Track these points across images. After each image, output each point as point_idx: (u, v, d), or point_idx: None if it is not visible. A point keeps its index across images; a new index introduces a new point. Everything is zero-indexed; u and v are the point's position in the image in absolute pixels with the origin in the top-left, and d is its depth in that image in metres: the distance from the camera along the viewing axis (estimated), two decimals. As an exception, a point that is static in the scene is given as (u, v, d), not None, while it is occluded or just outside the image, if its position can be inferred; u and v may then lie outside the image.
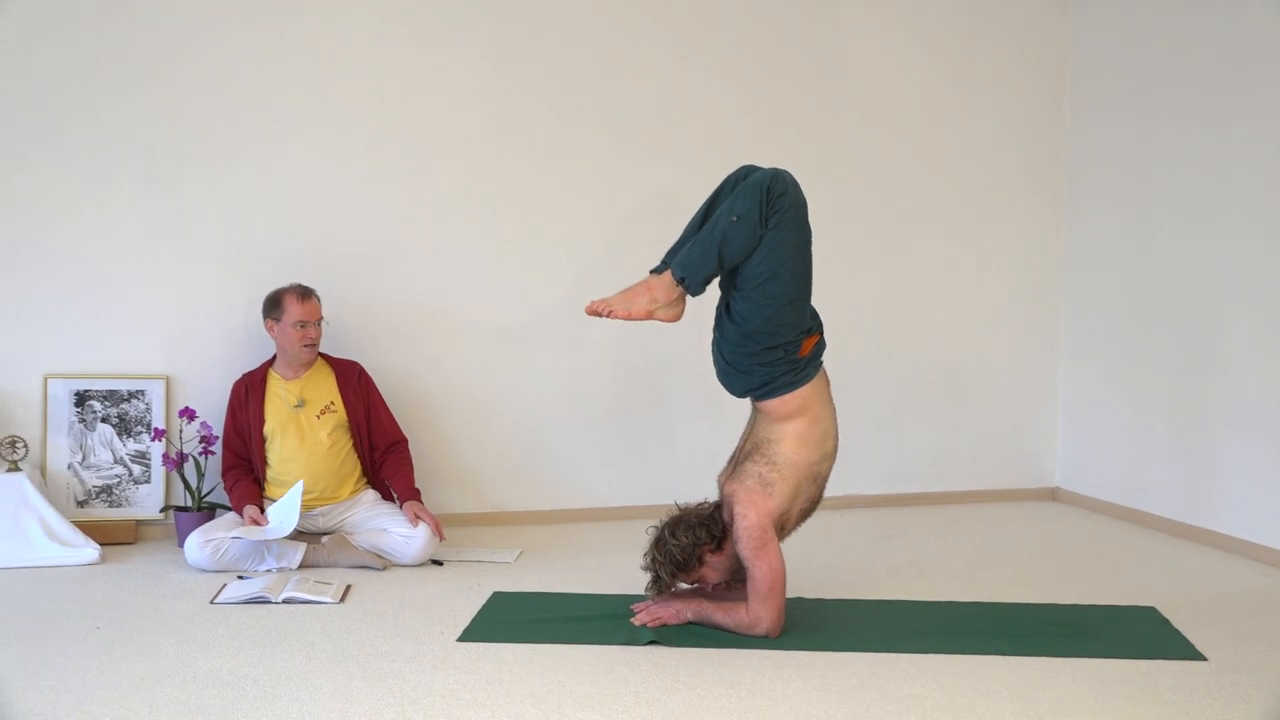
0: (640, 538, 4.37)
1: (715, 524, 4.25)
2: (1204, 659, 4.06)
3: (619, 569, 5.08)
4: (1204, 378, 5.71)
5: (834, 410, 4.32)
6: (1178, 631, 4.33)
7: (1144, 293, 6.08)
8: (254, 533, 4.99)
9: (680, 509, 4.33)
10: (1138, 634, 4.32)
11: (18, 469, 5.34)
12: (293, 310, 5.32)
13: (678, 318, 4.25)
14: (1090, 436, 6.49)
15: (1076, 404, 6.59)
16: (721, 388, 4.36)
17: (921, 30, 6.43)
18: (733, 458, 4.38)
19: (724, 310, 4.26)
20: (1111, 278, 6.30)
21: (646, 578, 4.31)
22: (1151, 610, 4.59)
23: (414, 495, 5.36)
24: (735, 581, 4.33)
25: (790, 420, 4.20)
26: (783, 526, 4.24)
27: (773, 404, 4.21)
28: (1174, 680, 3.85)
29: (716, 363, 4.32)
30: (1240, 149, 5.50)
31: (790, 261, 4.09)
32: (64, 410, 5.59)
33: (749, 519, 4.12)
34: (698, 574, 4.28)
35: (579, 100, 6.03)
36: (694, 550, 4.21)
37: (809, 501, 4.31)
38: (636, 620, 4.32)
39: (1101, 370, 6.39)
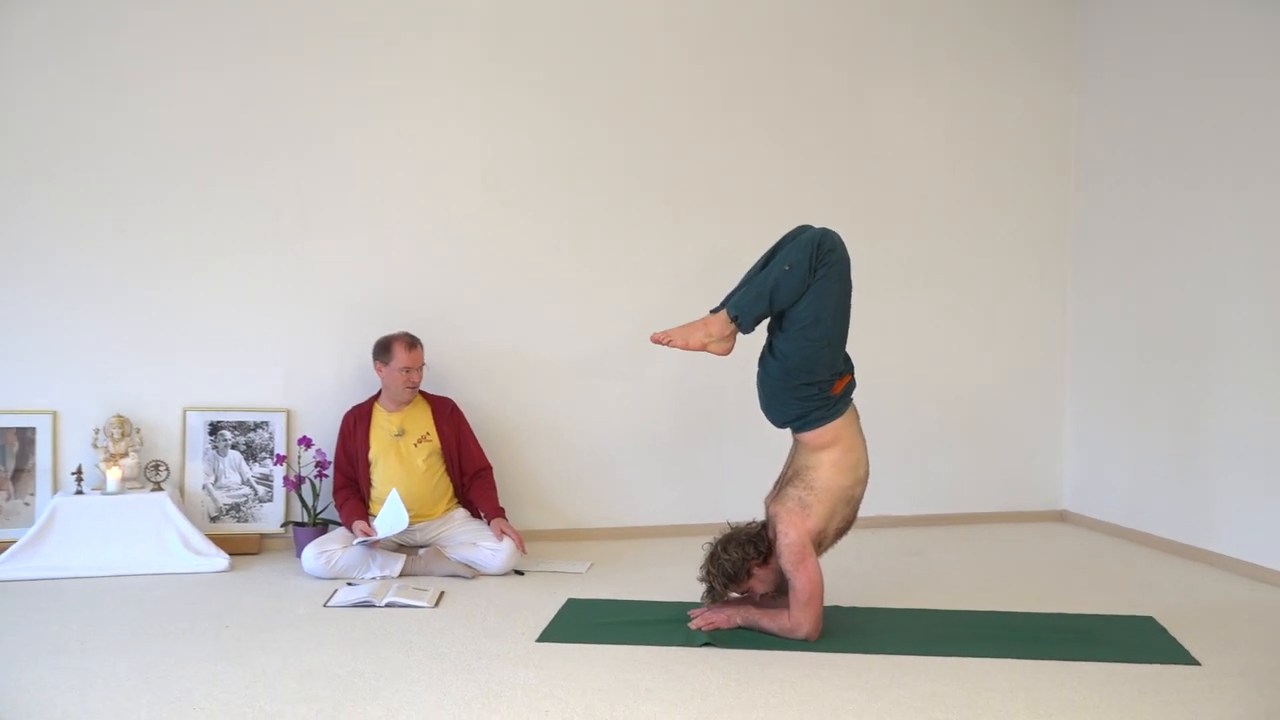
0: (695, 552, 4.37)
1: (762, 541, 4.24)
2: (1198, 664, 3.99)
3: (677, 579, 5.07)
4: (1198, 413, 5.63)
5: (864, 441, 4.30)
6: (1174, 639, 4.26)
7: (1144, 336, 6.00)
8: (385, 524, 5.02)
9: (731, 527, 4.32)
10: (1138, 641, 4.25)
11: (160, 489, 5.40)
12: (400, 357, 5.37)
13: (728, 352, 4.28)
14: (1095, 464, 6.41)
15: (1082, 435, 6.51)
16: (765, 419, 4.36)
17: (941, 107, 6.41)
18: (777, 482, 4.37)
19: (768, 349, 4.27)
20: (1114, 323, 6.23)
21: (702, 587, 4.31)
22: (1150, 620, 4.51)
23: (499, 514, 5.39)
24: (778, 593, 4.32)
25: (825, 450, 4.20)
26: (820, 543, 4.22)
27: (809, 435, 4.20)
28: (1172, 683, 3.79)
29: (760, 395, 4.32)
30: (1229, 212, 5.44)
31: (831, 309, 4.10)
32: (200, 439, 5.66)
33: (789, 536, 4.12)
34: (746, 585, 4.28)
35: (646, 163, 6.06)
36: (743, 564, 4.21)
37: (844, 522, 4.29)
38: (692, 625, 4.31)
39: (1105, 405, 6.31)
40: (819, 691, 3.70)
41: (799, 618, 4.15)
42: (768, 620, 4.23)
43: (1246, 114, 5.33)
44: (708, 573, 4.27)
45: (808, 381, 4.14)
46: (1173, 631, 4.37)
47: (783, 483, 4.32)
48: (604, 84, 6.01)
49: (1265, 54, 5.23)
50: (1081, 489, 6.53)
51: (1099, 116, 6.35)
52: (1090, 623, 4.49)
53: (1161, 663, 4.00)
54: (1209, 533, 5.57)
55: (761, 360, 4.32)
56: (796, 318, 4.12)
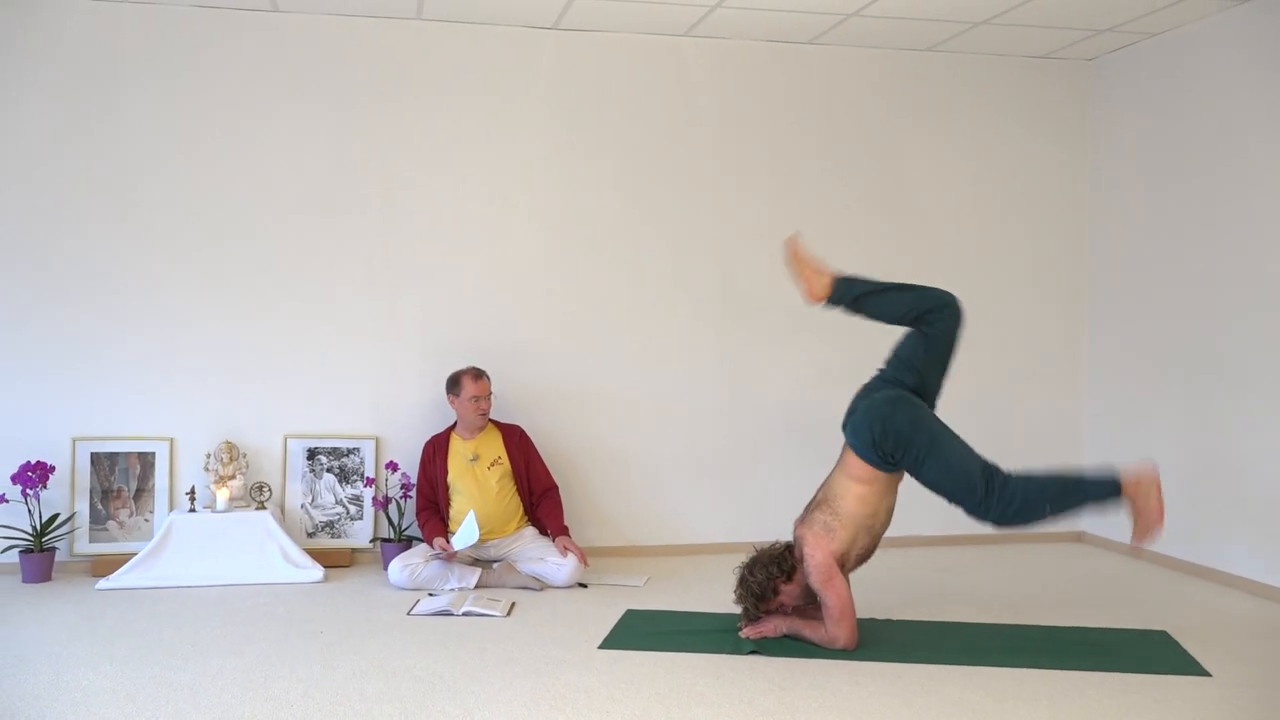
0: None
1: (785, 560, 4.19)
2: (1209, 675, 3.90)
3: (727, 593, 5.00)
4: (1208, 440, 5.52)
5: (895, 497, 4.23)
6: (1186, 652, 4.16)
7: (1156, 370, 5.89)
8: (461, 540, 5.03)
9: (756, 550, 4.29)
10: (1152, 654, 4.15)
11: (264, 508, 5.45)
12: (469, 388, 5.39)
13: (813, 293, 4.34)
14: (1110, 489, 6.29)
15: (1098, 459, 6.38)
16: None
17: (966, 151, 6.34)
18: (807, 507, 4.31)
19: (908, 388, 4.24)
20: (1128, 358, 6.12)
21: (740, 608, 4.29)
22: (1164, 634, 4.41)
23: (564, 531, 5.38)
24: (808, 604, 4.26)
25: (861, 483, 4.14)
26: (842, 565, 4.16)
27: (864, 468, 4.12)
28: (1185, 693, 3.71)
29: (869, 414, 4.14)
30: (1237, 249, 5.36)
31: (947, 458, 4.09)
32: (299, 463, 5.71)
33: (815, 557, 4.07)
34: (776, 601, 4.23)
35: (694, 217, 6.05)
36: (769, 583, 4.18)
37: (864, 550, 4.23)
38: (742, 634, 4.28)
39: (1120, 432, 6.19)
40: (858, 698, 3.65)
41: (834, 631, 4.11)
42: (810, 630, 4.19)
43: (1250, 153, 5.26)
44: (738, 595, 4.24)
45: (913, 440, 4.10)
46: (1185, 645, 4.26)
47: (811, 507, 4.26)
48: (657, 143, 6.02)
49: (1269, 107, 5.16)
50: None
51: (1112, 170, 6.27)
52: (1107, 636, 4.40)
53: (1174, 674, 3.91)
54: (1219, 552, 5.44)
55: (896, 402, 4.16)
56: (927, 480, 4.12)
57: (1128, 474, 4.04)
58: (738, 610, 4.42)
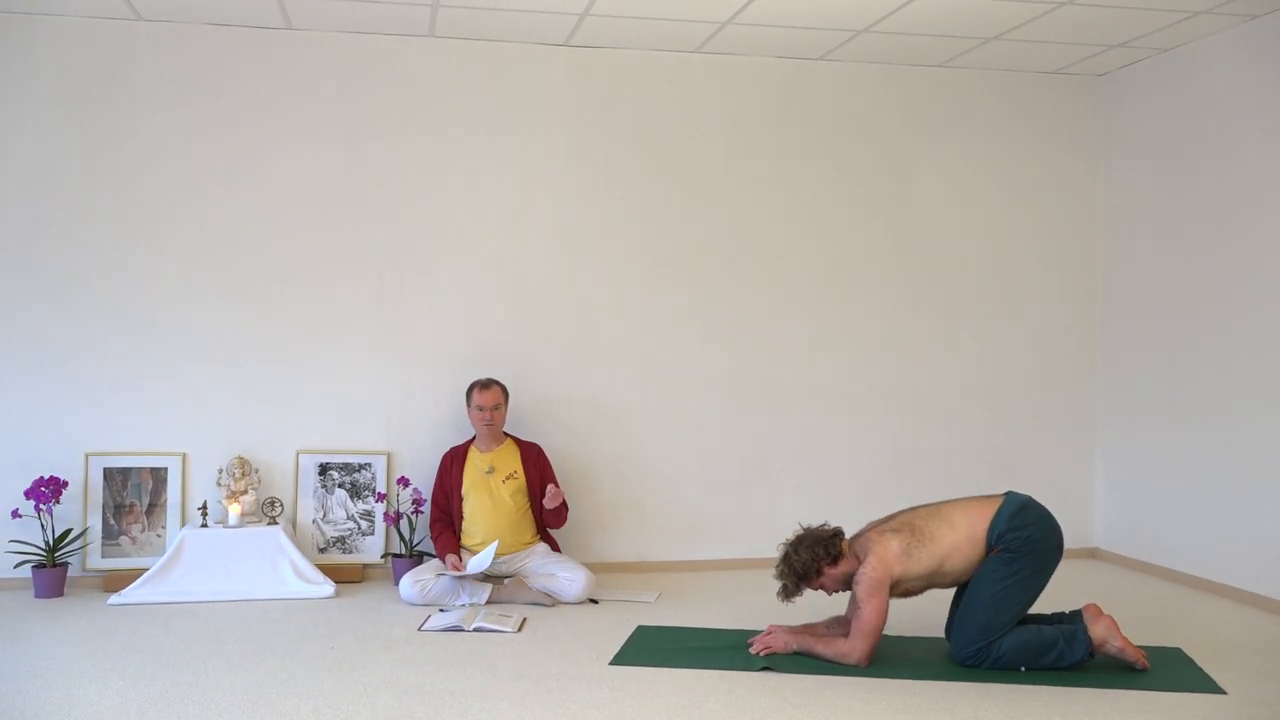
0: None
1: (833, 544, 4.17)
2: (1224, 692, 3.87)
3: (737, 608, 5.02)
4: (1221, 457, 5.48)
5: (965, 575, 4.19)
6: (1201, 669, 4.13)
7: (1169, 387, 5.87)
8: (474, 564, 5.02)
9: (804, 529, 4.25)
10: (1167, 670, 4.12)
11: (275, 523, 5.45)
12: (475, 398, 5.42)
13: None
14: (1125, 505, 6.24)
15: (1112, 478, 6.35)
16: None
17: (978, 167, 6.33)
18: (893, 521, 4.22)
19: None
20: (1141, 375, 6.09)
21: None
22: (1178, 651, 4.38)
23: (554, 483, 5.38)
24: (836, 623, 4.23)
25: (967, 542, 4.11)
26: (890, 590, 4.12)
27: (982, 528, 4.12)
28: (1200, 711, 3.67)
29: (1038, 506, 4.30)
30: (1248, 265, 5.34)
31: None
32: (310, 478, 5.71)
33: (876, 570, 4.04)
34: (817, 583, 4.20)
35: (706, 234, 6.05)
36: (813, 564, 4.14)
37: (913, 591, 4.20)
38: (752, 650, 4.26)
39: (1133, 450, 6.16)
40: (870, 714, 3.63)
41: (855, 642, 4.08)
42: (822, 646, 4.16)
43: (1261, 167, 5.24)
44: (780, 571, 4.20)
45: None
46: (1199, 662, 4.23)
47: (894, 526, 4.18)
48: (668, 159, 6.03)
49: (1276, 129, 5.14)
50: (1112, 528, 6.36)
51: (1124, 184, 6.25)
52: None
53: (1190, 691, 3.88)
54: (1233, 569, 5.40)
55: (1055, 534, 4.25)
56: (981, 585, 4.13)
57: (1092, 629, 4.10)
58: (748, 627, 4.39)
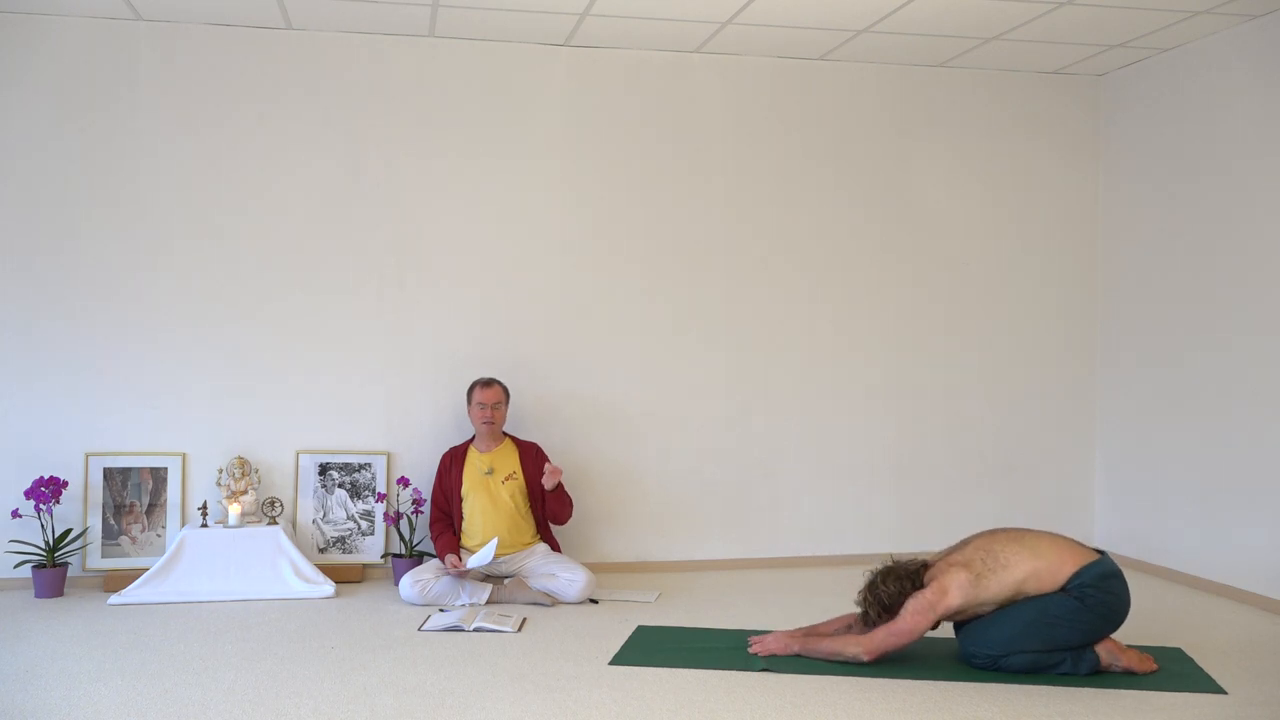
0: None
1: (919, 579, 4.13)
2: (1225, 692, 3.87)
3: (737, 609, 5.02)
4: (1220, 459, 5.48)
5: (1038, 594, 4.10)
6: (1202, 669, 4.13)
7: (1168, 390, 5.87)
8: (475, 560, 5.02)
9: (894, 561, 4.21)
10: (1167, 671, 4.11)
11: (275, 523, 5.44)
12: (475, 395, 5.43)
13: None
14: (1125, 506, 6.24)
15: (1112, 480, 6.35)
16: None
17: (978, 167, 6.33)
18: (958, 546, 4.20)
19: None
20: (1141, 367, 6.10)
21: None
22: (1179, 651, 4.38)
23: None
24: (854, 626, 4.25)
25: (1042, 574, 4.06)
26: (946, 613, 4.07)
27: (1064, 571, 4.06)
28: (1201, 711, 3.67)
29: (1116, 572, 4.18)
30: (1244, 270, 5.34)
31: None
32: (310, 478, 5.71)
33: (935, 596, 4.02)
34: (897, 613, 4.15)
35: (707, 233, 6.05)
36: (899, 597, 4.10)
37: (982, 613, 4.12)
38: (752, 650, 4.26)
39: (1132, 452, 6.16)
40: (870, 714, 3.63)
41: (879, 637, 4.06)
42: (828, 643, 4.16)
43: (1261, 167, 5.24)
44: (864, 599, 4.16)
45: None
46: (1200, 662, 4.23)
47: (967, 559, 4.11)
48: (668, 159, 6.03)
49: (1275, 130, 5.14)
50: (1111, 529, 6.36)
51: (1123, 184, 6.25)
52: (1122, 653, 4.36)
53: (1190, 691, 3.88)
54: (1233, 570, 5.40)
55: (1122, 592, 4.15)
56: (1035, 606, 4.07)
57: (1098, 648, 4.08)
58: (748, 627, 4.39)
